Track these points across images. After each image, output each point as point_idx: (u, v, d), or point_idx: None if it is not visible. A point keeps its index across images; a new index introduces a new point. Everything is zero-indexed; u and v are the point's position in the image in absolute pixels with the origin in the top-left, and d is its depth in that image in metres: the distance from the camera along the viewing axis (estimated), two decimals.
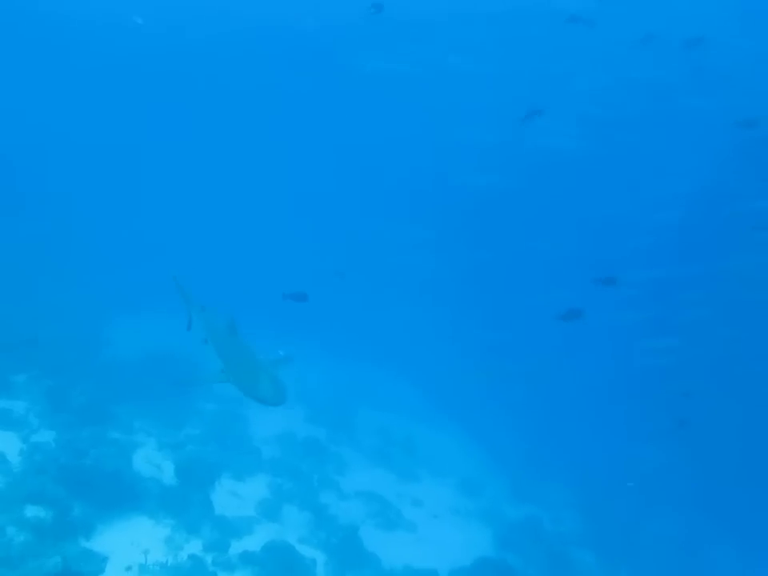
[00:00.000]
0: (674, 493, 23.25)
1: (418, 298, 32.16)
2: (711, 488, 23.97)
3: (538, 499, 21.83)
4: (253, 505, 15.66)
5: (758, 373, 23.94)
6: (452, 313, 30.44)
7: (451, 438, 25.55)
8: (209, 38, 38.09)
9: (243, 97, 39.97)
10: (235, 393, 8.88)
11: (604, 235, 27.37)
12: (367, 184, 37.05)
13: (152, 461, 15.66)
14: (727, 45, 23.75)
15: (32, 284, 21.54)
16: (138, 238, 31.05)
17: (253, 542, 13.68)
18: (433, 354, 29.85)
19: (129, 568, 11.55)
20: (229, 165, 39.31)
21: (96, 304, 23.32)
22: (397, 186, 35.27)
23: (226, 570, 12.59)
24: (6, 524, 11.03)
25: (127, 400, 17.54)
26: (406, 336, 30.77)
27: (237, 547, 13.38)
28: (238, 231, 34.98)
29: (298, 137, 39.79)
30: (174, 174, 38.03)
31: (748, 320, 23.53)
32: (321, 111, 39.12)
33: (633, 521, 20.63)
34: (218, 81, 39.85)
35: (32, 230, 25.04)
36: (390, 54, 31.85)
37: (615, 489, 22.26)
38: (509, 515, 20.03)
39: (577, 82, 28.15)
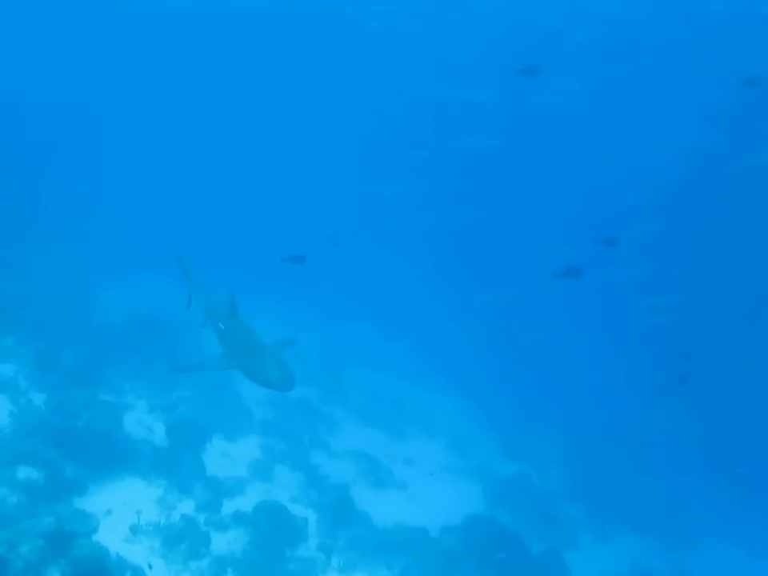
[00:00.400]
0: (663, 449, 23.55)
1: (412, 259, 32.14)
2: (701, 444, 24.30)
3: (528, 456, 22.08)
4: (244, 465, 15.76)
5: (756, 331, 24.15)
6: (445, 273, 30.37)
7: (442, 397, 25.71)
8: None
9: (232, 54, 39.42)
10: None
11: (603, 192, 27.21)
12: (365, 144, 36.73)
13: (143, 422, 15.71)
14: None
15: (21, 247, 21.35)
16: (129, 201, 30.84)
17: (245, 502, 13.78)
18: (424, 314, 29.89)
19: (122, 527, 11.66)
20: (221, 126, 38.89)
21: (86, 267, 23.19)
22: (394, 145, 34.99)
23: (219, 530, 12.68)
24: None
25: (117, 362, 17.55)
26: (397, 296, 30.79)
27: (229, 507, 13.47)
28: (229, 194, 34.79)
29: (292, 97, 39.35)
30: (166, 136, 37.65)
31: (747, 277, 23.60)
32: (315, 70, 38.57)
33: (621, 477, 20.87)
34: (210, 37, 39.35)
35: (22, 193, 24.76)
36: (390, 10, 31.40)
37: (604, 445, 22.55)
38: (499, 472, 20.23)
39: (576, 38, 27.74)
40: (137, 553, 11.05)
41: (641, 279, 23.03)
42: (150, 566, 10.37)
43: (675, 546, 20.13)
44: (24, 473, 11.42)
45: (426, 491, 17.87)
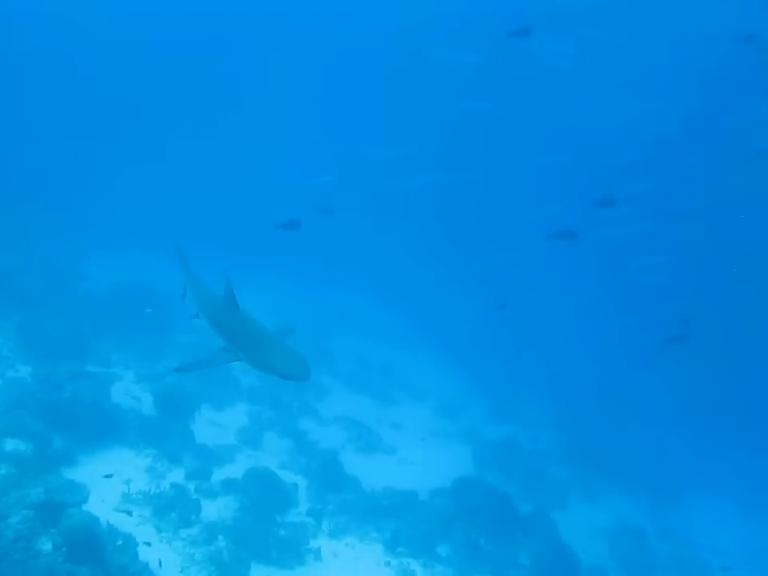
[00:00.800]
0: (649, 408, 23.83)
1: (400, 225, 32.08)
2: (687, 402, 24.62)
3: (517, 419, 22.27)
4: (233, 433, 15.82)
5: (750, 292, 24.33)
6: (435, 239, 30.30)
7: (430, 363, 25.85)
8: None
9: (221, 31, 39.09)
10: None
11: (597, 151, 27.07)
12: (356, 109, 36.49)
13: (131, 393, 15.69)
14: None
15: (7, 219, 21.14)
16: (118, 176, 30.69)
17: (234, 470, 13.85)
18: (413, 281, 29.93)
19: (113, 497, 11.70)
20: (208, 99, 38.61)
21: (74, 240, 23.06)
22: (387, 110, 34.77)
23: (209, 497, 12.74)
24: None
25: (104, 334, 17.48)
26: (385, 264, 30.79)
27: (219, 475, 13.54)
28: (217, 167, 34.69)
29: (280, 64, 38.98)
30: (159, 110, 37.41)
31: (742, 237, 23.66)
32: (300, 35, 38.13)
33: (608, 437, 21.11)
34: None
35: (10, 165, 24.50)
36: None
37: (591, 406, 22.77)
38: (488, 435, 20.42)
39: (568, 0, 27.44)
40: (127, 522, 11.08)
41: (636, 239, 22.97)
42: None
43: (661, 502, 20.47)
44: (11, 445, 11.35)
45: (415, 455, 18.03)
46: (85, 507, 10.16)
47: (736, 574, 16.76)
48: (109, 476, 12.15)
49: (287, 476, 14.33)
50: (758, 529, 20.72)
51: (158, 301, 19.29)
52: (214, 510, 12.39)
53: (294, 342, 8.06)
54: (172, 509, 11.87)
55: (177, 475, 13.12)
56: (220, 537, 11.60)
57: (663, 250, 22.75)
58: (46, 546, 9.01)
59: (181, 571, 10.67)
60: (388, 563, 12.92)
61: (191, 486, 12.85)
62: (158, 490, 12.21)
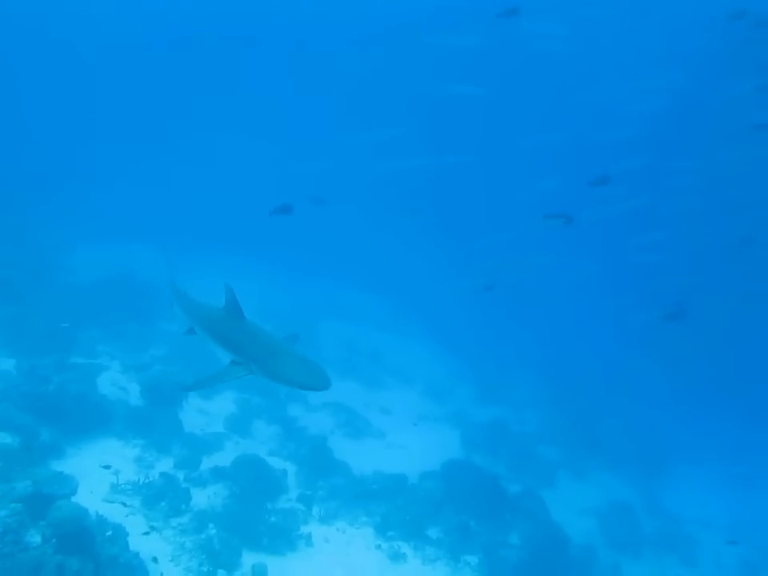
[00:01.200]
0: (637, 385, 24.02)
1: (387, 209, 32.00)
2: (675, 378, 24.81)
3: (505, 401, 22.39)
4: (221, 421, 15.79)
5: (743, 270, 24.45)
6: (421, 221, 30.24)
7: (418, 346, 25.91)
8: None
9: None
10: None
11: (589, 130, 27.06)
12: (345, 94, 36.35)
13: (117, 383, 15.63)
14: None
15: None
16: (103, 169, 30.57)
17: (223, 458, 13.84)
18: (400, 264, 29.94)
19: (102, 488, 11.67)
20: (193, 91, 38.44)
21: (58, 232, 22.96)
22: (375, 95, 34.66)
23: (199, 486, 12.73)
24: None
25: (89, 325, 17.40)
26: (372, 248, 30.77)
27: (208, 463, 13.52)
28: (202, 158, 34.59)
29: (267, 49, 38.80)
30: (141, 100, 37.25)
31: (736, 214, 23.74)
32: (297, 18, 37.85)
33: (595, 415, 21.26)
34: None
35: None
36: None
37: (579, 385, 22.92)
38: (476, 418, 20.51)
39: None
40: (117, 512, 11.06)
41: (630, 217, 22.97)
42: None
43: (649, 478, 20.69)
44: None
45: (404, 439, 18.09)
46: (74, 499, 10.12)
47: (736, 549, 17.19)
48: (107, 467, 12.14)
49: (276, 462, 14.34)
50: (743, 501, 20.99)
51: (142, 289, 19.24)
52: (203, 498, 12.38)
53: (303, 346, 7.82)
54: (161, 498, 11.85)
55: (166, 464, 13.10)
56: (210, 525, 11.60)
57: (657, 227, 22.81)
58: (35, 538, 9.00)
59: (171, 560, 10.67)
60: (379, 547, 12.98)
61: (180, 475, 12.83)
62: (147, 480, 12.18)
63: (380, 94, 35.04)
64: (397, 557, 12.79)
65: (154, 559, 10.42)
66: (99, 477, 11.98)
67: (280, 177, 31.96)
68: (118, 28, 38.38)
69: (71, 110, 35.80)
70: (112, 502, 11.48)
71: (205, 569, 10.59)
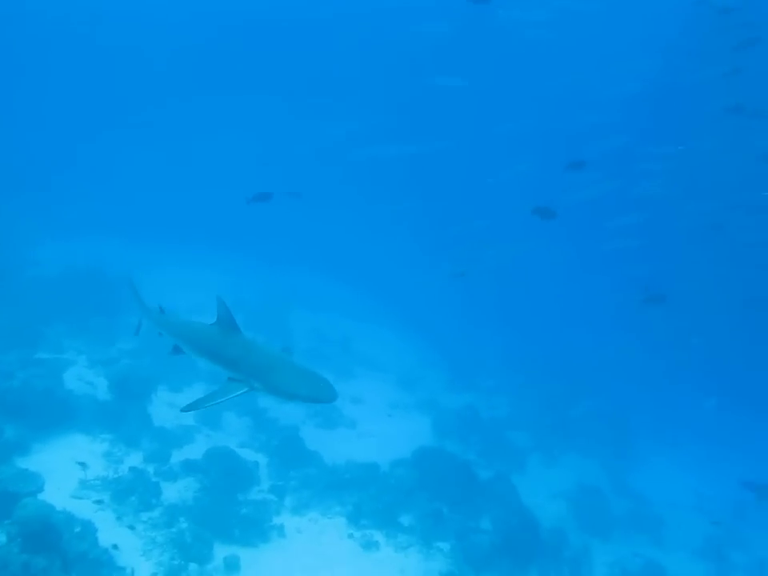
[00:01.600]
0: (606, 371, 24.26)
1: (357, 197, 31.94)
2: (644, 365, 25.09)
3: (475, 387, 22.49)
4: (191, 414, 15.65)
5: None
6: (392, 209, 30.18)
7: (388, 334, 25.95)
8: None
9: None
10: None
11: (568, 110, 27.11)
12: (330, 84, 36.18)
13: (84, 378, 15.49)
14: None
15: None
16: (72, 161, 30.21)
17: (194, 451, 13.76)
18: (368, 254, 29.90)
19: (69, 484, 11.55)
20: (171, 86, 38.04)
21: (24, 225, 22.64)
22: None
23: (169, 480, 12.66)
24: None
25: (55, 320, 17.21)
26: (341, 237, 30.72)
27: (178, 456, 13.46)
28: (174, 151, 34.30)
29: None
30: (111, 91, 36.84)
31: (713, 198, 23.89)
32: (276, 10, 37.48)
33: (565, 401, 21.43)
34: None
35: None
36: None
37: (549, 371, 23.09)
38: (447, 405, 20.58)
39: None
40: (85, 508, 10.95)
41: (604, 200, 23.01)
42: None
43: (618, 460, 20.94)
44: None
45: (375, 428, 18.11)
46: (40, 496, 10.04)
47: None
48: (82, 463, 12.04)
49: (248, 454, 14.29)
50: (710, 481, 21.38)
51: (110, 284, 18.97)
52: (174, 492, 12.32)
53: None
54: (131, 493, 11.78)
55: (135, 459, 13.01)
56: (181, 518, 11.56)
57: (632, 211, 22.90)
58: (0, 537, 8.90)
59: (142, 554, 10.61)
60: (351, 536, 12.99)
61: (150, 469, 12.76)
62: (116, 475, 12.11)
63: (358, 82, 34.91)
64: (369, 545, 12.82)
65: (125, 554, 10.34)
66: (67, 473, 11.86)
67: (250, 168, 31.78)
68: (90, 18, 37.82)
69: (38, 102, 35.26)
70: (80, 498, 11.38)
71: (176, 563, 10.54)
